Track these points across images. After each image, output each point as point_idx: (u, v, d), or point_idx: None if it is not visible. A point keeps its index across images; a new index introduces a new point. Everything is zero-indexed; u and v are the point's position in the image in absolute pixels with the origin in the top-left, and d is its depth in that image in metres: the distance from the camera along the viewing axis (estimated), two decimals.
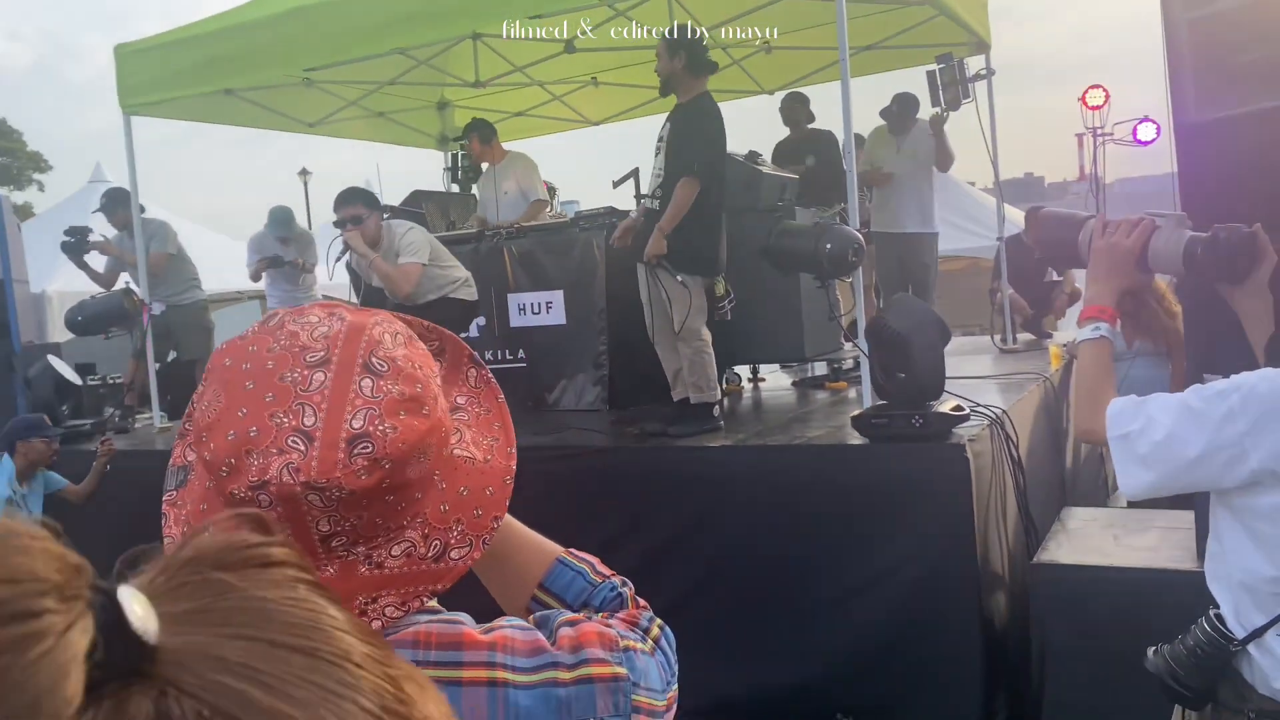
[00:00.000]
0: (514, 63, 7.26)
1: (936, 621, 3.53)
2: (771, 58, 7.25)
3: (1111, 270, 1.71)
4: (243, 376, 0.76)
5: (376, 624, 0.76)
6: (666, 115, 4.72)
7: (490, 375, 0.92)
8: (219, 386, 0.77)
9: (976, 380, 5.11)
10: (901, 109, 6.77)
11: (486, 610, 0.90)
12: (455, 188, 8.18)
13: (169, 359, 7.01)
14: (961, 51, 6.38)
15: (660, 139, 4.64)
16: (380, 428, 0.74)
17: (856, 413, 3.90)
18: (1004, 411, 4.10)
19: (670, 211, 4.43)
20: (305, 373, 0.75)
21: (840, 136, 5.35)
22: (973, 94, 6.33)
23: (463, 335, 5.90)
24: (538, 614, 0.91)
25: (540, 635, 0.83)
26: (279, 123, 7.30)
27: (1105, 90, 10.60)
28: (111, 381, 7.72)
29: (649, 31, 6.37)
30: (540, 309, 5.92)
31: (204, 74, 5.87)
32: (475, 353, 0.93)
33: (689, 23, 5.00)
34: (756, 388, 6.28)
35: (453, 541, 0.80)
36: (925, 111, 6.69)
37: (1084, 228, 1.77)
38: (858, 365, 5.76)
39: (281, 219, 7.33)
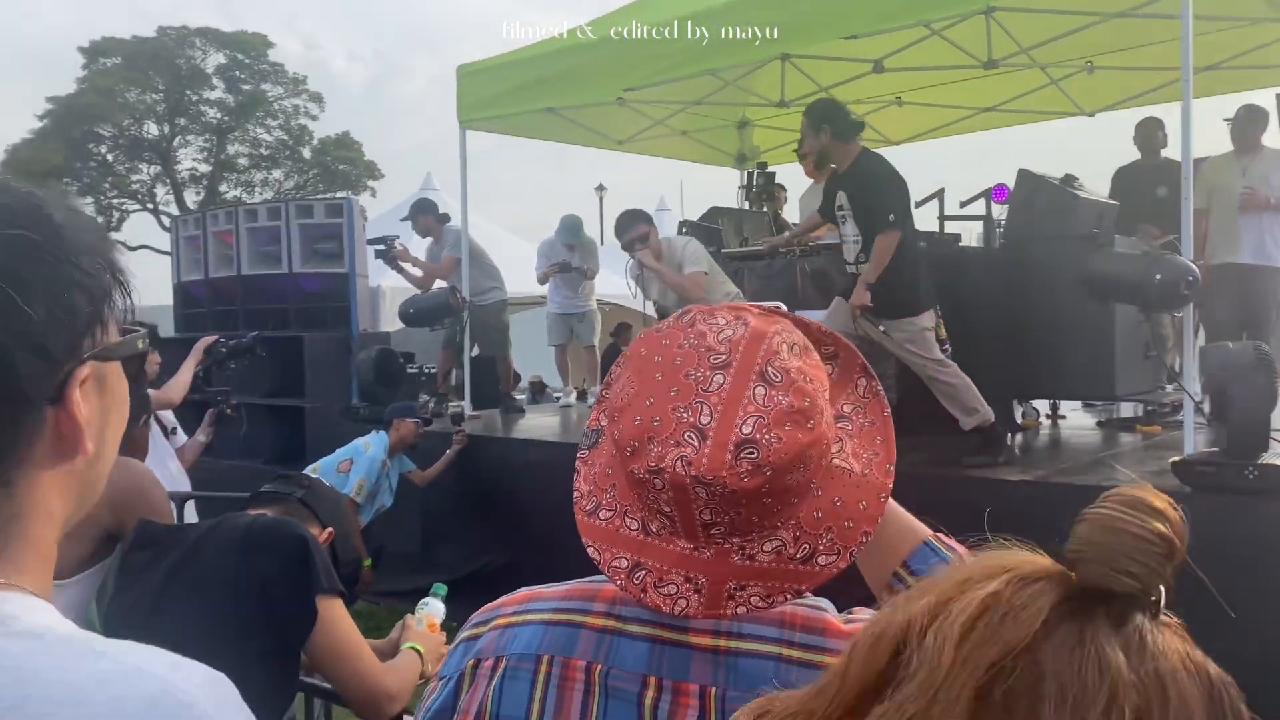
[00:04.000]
0: (820, 83, 7.29)
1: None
2: (1094, 78, 6.84)
3: None
4: (654, 368, 0.84)
5: (742, 609, 0.83)
6: (829, 184, 4.81)
7: (880, 388, 0.94)
8: (633, 373, 0.86)
9: None
10: (1247, 122, 6.17)
11: None
12: (749, 205, 8.34)
13: (473, 354, 7.63)
14: None
15: (840, 207, 4.70)
16: (766, 436, 0.79)
17: (1178, 458, 3.61)
18: None
19: (873, 264, 4.49)
20: (707, 373, 0.82)
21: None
22: None
23: None
24: None
25: None
26: (591, 139, 7.77)
27: None
28: (428, 371, 8.50)
29: (961, 51, 6.23)
30: None
31: (531, 93, 6.38)
32: (867, 363, 0.95)
33: (824, 97, 5.05)
34: (1056, 425, 5.94)
35: (821, 548, 0.84)
36: (1273, 136, 6.07)
37: None
38: (1176, 409, 5.33)
39: (571, 226, 7.91)
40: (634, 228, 5.46)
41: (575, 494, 0.90)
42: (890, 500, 0.93)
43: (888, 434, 0.91)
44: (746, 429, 0.79)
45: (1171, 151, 6.38)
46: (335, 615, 1.73)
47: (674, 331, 0.86)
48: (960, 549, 0.97)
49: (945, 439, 4.65)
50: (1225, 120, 6.32)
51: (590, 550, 0.87)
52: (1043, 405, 6.03)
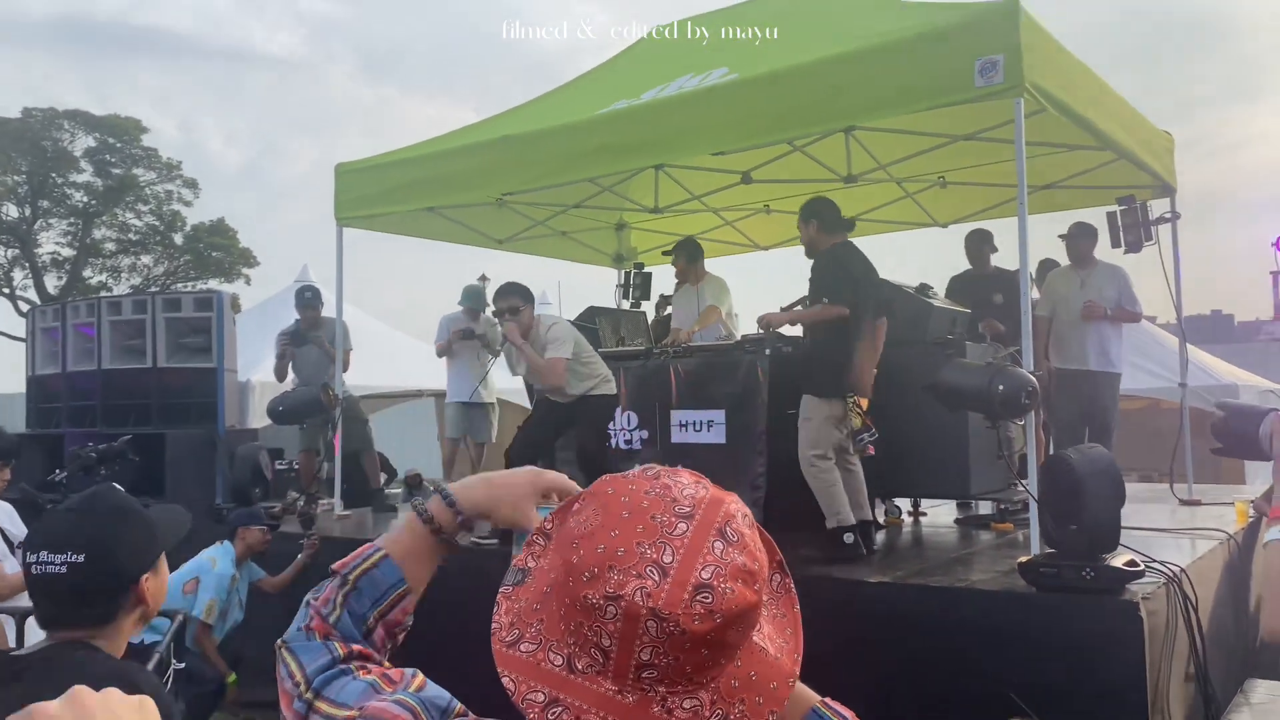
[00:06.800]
0: (692, 191, 7.59)
1: None
2: (946, 192, 7.32)
3: None
4: (621, 506, 0.87)
5: None
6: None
7: (791, 584, 0.99)
8: (599, 507, 0.88)
9: (1152, 533, 4.88)
10: (1079, 237, 6.68)
11: None
12: (626, 304, 8.52)
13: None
14: (1144, 194, 6.28)
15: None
16: (722, 585, 0.83)
17: (1024, 559, 3.81)
18: (1183, 570, 3.91)
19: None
20: (672, 519, 0.86)
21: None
22: (1155, 236, 6.20)
23: (625, 445, 6.03)
24: None
25: None
26: (472, 238, 7.85)
27: None
28: (296, 468, 8.27)
29: (823, 166, 6.60)
30: (701, 427, 6.05)
31: (411, 193, 6.43)
32: (784, 560, 1.00)
33: (819, 195, 5.41)
34: (917, 522, 6.17)
35: (733, 716, 0.86)
36: (1105, 250, 6.59)
37: (1265, 421, 1.77)
38: (1026, 507, 5.62)
39: (475, 292, 7.90)
40: (506, 299, 5.44)
41: (494, 626, 0.91)
42: None
43: (796, 628, 0.95)
44: (705, 574, 0.82)
45: (1006, 261, 6.86)
46: None
47: (640, 480, 0.90)
48: (848, 713, 1.00)
49: (811, 537, 4.79)
50: (1060, 236, 6.85)
51: (505, 680, 0.87)
52: (904, 503, 6.26)
